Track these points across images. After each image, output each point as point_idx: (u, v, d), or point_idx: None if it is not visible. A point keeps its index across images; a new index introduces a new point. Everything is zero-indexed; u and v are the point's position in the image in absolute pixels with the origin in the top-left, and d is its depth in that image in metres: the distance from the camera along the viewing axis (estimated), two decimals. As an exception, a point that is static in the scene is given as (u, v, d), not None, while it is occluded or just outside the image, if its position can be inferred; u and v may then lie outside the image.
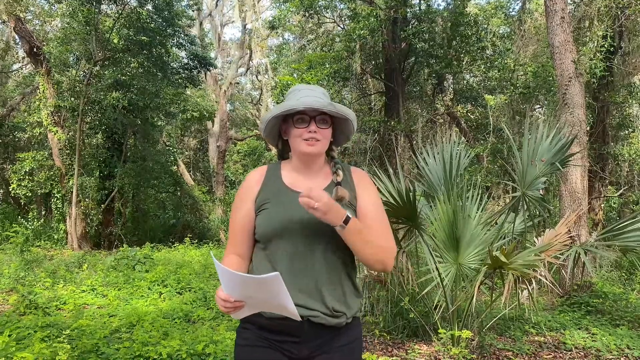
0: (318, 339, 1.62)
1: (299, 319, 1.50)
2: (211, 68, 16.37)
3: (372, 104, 16.91)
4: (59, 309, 5.84)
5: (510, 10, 15.68)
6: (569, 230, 4.85)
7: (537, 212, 4.89)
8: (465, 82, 16.09)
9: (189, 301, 6.15)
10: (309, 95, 1.67)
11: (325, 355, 1.64)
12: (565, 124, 6.60)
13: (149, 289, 6.92)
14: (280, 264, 1.61)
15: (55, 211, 13.19)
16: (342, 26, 15.08)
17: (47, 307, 5.68)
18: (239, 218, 1.70)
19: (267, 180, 1.72)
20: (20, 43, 14.24)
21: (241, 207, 1.70)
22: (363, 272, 4.75)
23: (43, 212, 15.81)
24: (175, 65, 14.76)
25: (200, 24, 23.60)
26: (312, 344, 1.62)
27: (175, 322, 5.09)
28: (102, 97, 12.27)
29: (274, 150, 25.82)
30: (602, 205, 12.97)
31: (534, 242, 4.76)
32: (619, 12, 9.53)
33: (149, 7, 12.98)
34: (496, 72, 12.97)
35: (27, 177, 13.43)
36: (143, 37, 12.52)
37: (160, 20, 13.01)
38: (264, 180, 1.72)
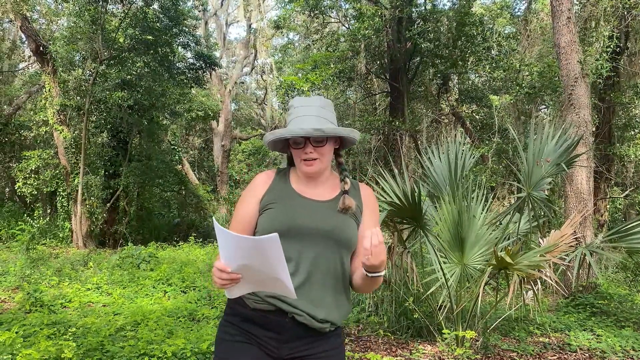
0: (299, 339, 1.62)
1: (294, 296, 1.48)
2: (216, 67, 16.40)
3: (377, 104, 16.91)
4: (64, 306, 5.87)
5: (516, 10, 15.64)
6: (574, 231, 4.84)
7: (542, 213, 4.88)
8: (470, 82, 16.05)
9: (194, 300, 6.17)
10: (303, 114, 1.66)
11: None
12: (571, 125, 6.58)
13: (154, 287, 6.95)
14: None
15: (61, 209, 13.25)
16: (347, 26, 15.07)
17: (52, 305, 5.71)
18: (241, 214, 1.71)
19: (274, 183, 1.73)
20: (26, 42, 14.29)
21: (245, 204, 1.72)
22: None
23: (48, 211, 15.87)
24: (180, 66, 14.79)
25: (206, 23, 23.64)
26: (293, 344, 1.62)
27: (180, 321, 5.11)
28: (107, 96, 12.31)
29: (278, 150, 25.82)
30: (608, 206, 12.92)
31: (539, 242, 4.75)
32: (625, 13, 9.49)
33: (155, 6, 13.01)
34: (501, 72, 12.92)
35: (32, 175, 13.49)
36: (149, 37, 12.55)
37: (166, 20, 13.04)
38: (271, 183, 1.73)
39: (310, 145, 1.64)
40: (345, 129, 1.69)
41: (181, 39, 14.15)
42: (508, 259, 3.80)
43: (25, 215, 13.85)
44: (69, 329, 4.28)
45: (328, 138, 1.67)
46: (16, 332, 3.98)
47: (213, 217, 1.55)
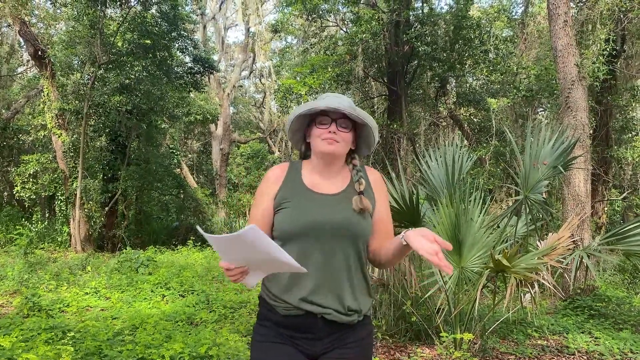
0: (331, 335, 1.68)
1: (303, 270, 1.50)
2: (214, 71, 16.43)
3: (375, 107, 16.93)
4: (62, 311, 5.86)
5: (513, 13, 15.70)
6: (572, 234, 4.85)
7: (540, 216, 4.89)
8: (468, 85, 16.09)
9: (192, 304, 6.16)
10: (334, 100, 1.71)
11: (338, 351, 1.69)
12: (568, 127, 6.60)
13: (152, 291, 6.94)
14: (297, 262, 1.67)
15: (59, 213, 13.23)
16: (344, 29, 15.11)
17: (50, 309, 5.69)
18: (258, 213, 1.75)
19: (287, 178, 1.76)
20: (24, 46, 14.30)
21: (260, 203, 1.75)
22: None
23: (47, 215, 15.86)
24: (179, 70, 14.81)
25: (204, 27, 23.69)
26: (326, 340, 1.68)
27: (178, 325, 5.10)
28: (106, 100, 12.31)
29: (277, 153, 25.87)
30: (606, 208, 12.94)
31: (537, 245, 4.76)
32: (621, 16, 9.54)
33: (154, 10, 13.04)
34: (499, 75, 12.96)
35: (31, 179, 13.48)
36: (147, 41, 12.56)
37: (164, 24, 13.06)
38: (284, 178, 1.76)
39: (335, 126, 1.69)
40: (374, 121, 1.75)
41: (180, 43, 14.17)
42: (505, 262, 3.81)
43: (23, 219, 13.87)
44: (67, 334, 4.27)
45: (351, 129, 1.73)
46: (15, 337, 3.97)
47: (198, 227, 1.59)
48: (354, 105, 1.74)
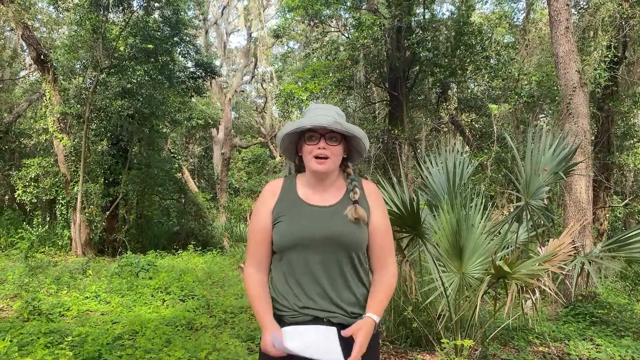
0: (340, 338, 1.70)
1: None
2: (216, 76, 16.47)
3: (377, 113, 16.95)
4: (63, 315, 5.85)
5: (515, 19, 15.71)
6: (573, 240, 4.83)
7: (541, 222, 4.88)
8: (469, 91, 16.09)
9: (192, 308, 6.15)
10: (320, 114, 1.73)
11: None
12: (569, 133, 6.59)
13: (152, 295, 6.93)
14: (295, 274, 1.71)
15: (60, 217, 13.22)
16: (346, 35, 15.14)
17: (50, 313, 5.68)
18: (257, 228, 1.78)
19: (283, 193, 1.80)
20: (27, 50, 14.35)
21: (259, 218, 1.78)
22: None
23: (48, 219, 15.85)
24: (180, 75, 14.84)
25: (206, 32, 23.76)
26: None
27: (178, 330, 5.09)
28: (108, 104, 12.34)
29: (278, 158, 25.88)
30: (607, 215, 12.90)
31: (538, 251, 4.74)
32: (623, 23, 9.54)
33: (156, 15, 13.08)
34: (500, 81, 12.97)
35: (32, 183, 13.47)
36: (149, 45, 12.60)
37: (167, 28, 13.10)
38: (280, 193, 1.80)
39: (324, 141, 1.70)
40: (361, 131, 1.76)
41: (182, 48, 14.21)
42: (506, 268, 3.80)
43: (24, 223, 13.83)
44: (66, 338, 4.25)
45: (341, 140, 1.74)
46: (10, 341, 3.95)
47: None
48: (340, 116, 1.76)
